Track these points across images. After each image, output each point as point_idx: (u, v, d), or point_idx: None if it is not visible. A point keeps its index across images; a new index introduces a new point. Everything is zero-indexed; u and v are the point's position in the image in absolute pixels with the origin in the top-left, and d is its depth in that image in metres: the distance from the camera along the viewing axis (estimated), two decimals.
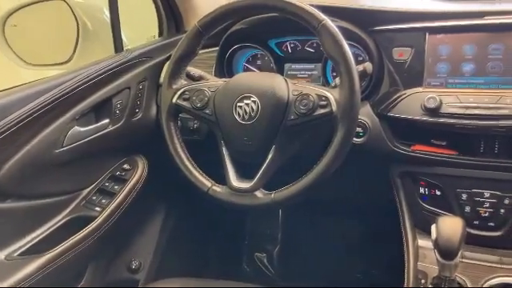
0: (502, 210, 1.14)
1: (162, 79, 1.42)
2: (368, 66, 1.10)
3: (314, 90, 1.05)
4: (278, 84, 1.07)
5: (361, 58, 1.28)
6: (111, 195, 1.34)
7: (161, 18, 1.57)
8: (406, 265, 1.21)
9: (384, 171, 1.29)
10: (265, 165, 1.07)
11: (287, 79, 1.10)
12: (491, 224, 1.15)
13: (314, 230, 1.93)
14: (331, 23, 1.02)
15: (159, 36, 1.61)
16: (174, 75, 1.15)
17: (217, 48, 1.41)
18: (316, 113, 1.03)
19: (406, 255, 1.22)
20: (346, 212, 1.80)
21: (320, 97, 1.03)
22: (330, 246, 1.89)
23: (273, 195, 1.06)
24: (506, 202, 1.13)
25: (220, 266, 1.88)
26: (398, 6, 1.23)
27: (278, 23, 1.24)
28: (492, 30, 1.12)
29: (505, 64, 1.10)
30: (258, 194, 1.07)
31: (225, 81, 1.14)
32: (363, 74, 1.10)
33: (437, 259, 1.00)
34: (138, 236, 1.61)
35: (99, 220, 1.28)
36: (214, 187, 1.10)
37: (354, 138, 1.20)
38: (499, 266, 1.15)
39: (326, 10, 1.06)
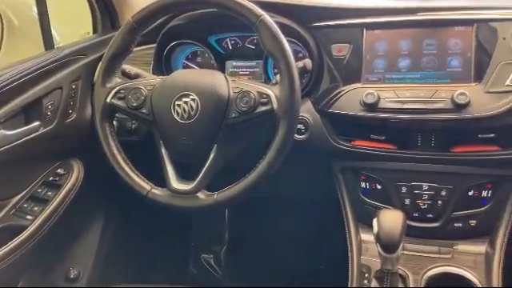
0: (440, 202, 1.17)
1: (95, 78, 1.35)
2: (308, 62, 1.10)
3: (254, 87, 1.03)
4: (218, 81, 1.05)
5: (301, 55, 1.28)
6: (44, 202, 1.27)
7: (94, 13, 1.50)
8: (350, 259, 1.23)
9: (327, 167, 1.29)
10: (206, 165, 1.04)
11: (227, 76, 1.07)
12: (430, 216, 1.19)
13: (261, 229, 1.92)
14: (269, 19, 1.00)
15: (94, 33, 1.53)
16: (107, 73, 1.10)
17: (154, 45, 1.36)
18: (257, 110, 1.01)
19: (349, 250, 1.24)
20: (292, 209, 1.80)
21: (261, 94, 1.01)
22: (278, 243, 1.89)
23: (215, 196, 1.03)
24: (443, 193, 1.17)
25: (166, 269, 1.82)
26: (336, 2, 1.24)
27: (218, 19, 1.21)
28: (426, 25, 1.15)
29: (438, 59, 1.13)
30: (200, 195, 1.04)
31: (162, 78, 1.10)
32: (303, 71, 1.09)
33: (379, 253, 1.01)
34: (76, 243, 1.53)
35: (31, 229, 1.20)
36: (154, 190, 1.06)
37: (296, 135, 1.21)
38: (438, 256, 1.19)
39: (265, 5, 1.04)
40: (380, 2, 1.27)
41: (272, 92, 1.00)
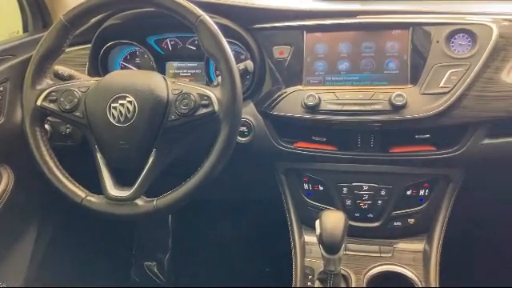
0: (380, 202, 1.20)
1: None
2: (249, 64, 1.09)
3: (194, 88, 1.00)
4: (157, 83, 1.01)
5: (243, 57, 1.26)
6: None
7: (24, 11, 1.41)
8: (294, 261, 1.23)
9: (270, 169, 1.29)
10: (145, 170, 1.00)
11: (166, 78, 1.04)
12: (370, 215, 1.21)
13: (206, 233, 1.89)
14: (209, 19, 0.98)
15: (24, 32, 1.45)
16: (37, 74, 1.03)
17: (89, 45, 1.30)
18: (198, 113, 0.98)
19: (293, 251, 1.24)
20: (236, 211, 1.78)
21: (201, 96, 0.99)
22: (223, 247, 1.87)
23: (155, 202, 0.99)
24: (383, 193, 1.20)
25: (107, 278, 1.75)
26: (278, 4, 1.24)
27: (157, 19, 1.18)
28: (364, 28, 1.17)
29: (376, 61, 1.15)
30: (139, 201, 0.99)
31: (97, 80, 1.05)
32: (245, 73, 1.08)
33: (322, 254, 1.01)
34: (6, 256, 1.43)
35: None
36: (89, 197, 1.01)
37: (239, 138, 1.19)
38: (379, 255, 1.21)
39: (205, 6, 1.02)
40: (320, 4, 1.28)
41: (213, 94, 0.98)
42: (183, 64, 1.35)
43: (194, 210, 1.69)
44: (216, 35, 0.97)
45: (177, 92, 1.00)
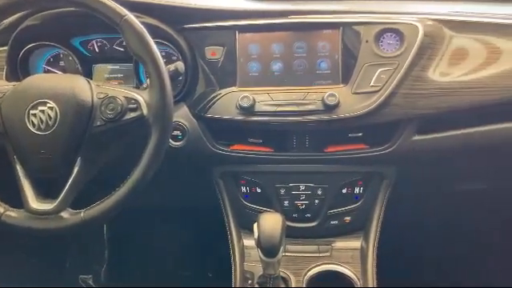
0: (317, 201, 1.20)
1: None
2: (179, 65, 1.05)
3: (121, 92, 0.95)
4: (80, 87, 0.95)
5: (174, 58, 1.22)
6: None
7: None
8: (233, 266, 1.21)
9: (207, 173, 1.26)
10: (70, 180, 0.94)
11: (90, 81, 0.98)
12: (308, 215, 1.21)
13: (144, 242, 1.83)
14: (134, 19, 0.93)
15: None
16: None
17: (6, 47, 1.21)
18: (125, 117, 0.93)
19: (231, 256, 1.21)
20: (175, 218, 1.74)
21: (129, 99, 0.94)
22: (163, 255, 1.82)
23: (82, 214, 0.93)
24: (319, 192, 1.20)
25: None
26: (209, 4, 1.21)
27: (81, 19, 1.11)
28: (296, 28, 1.16)
29: (309, 62, 1.15)
30: (64, 214, 0.93)
31: (14, 85, 0.97)
32: (175, 74, 1.04)
33: (260, 258, 0.99)
34: None
35: None
36: (8, 212, 0.93)
37: (173, 142, 1.16)
38: (317, 255, 1.22)
39: (131, 5, 0.98)
40: (252, 4, 1.27)
41: (141, 97, 0.94)
42: (112, 66, 1.29)
43: (131, 218, 1.62)
44: (142, 36, 0.93)
45: (102, 96, 0.94)
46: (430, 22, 1.11)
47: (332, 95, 1.09)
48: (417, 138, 1.13)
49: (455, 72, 1.11)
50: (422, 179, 1.29)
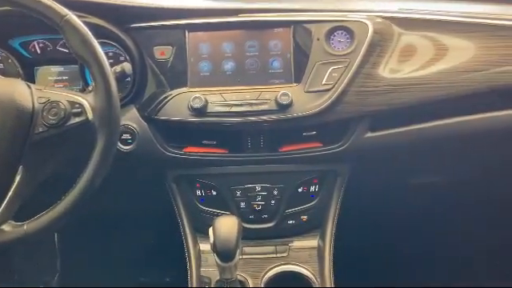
0: (273, 201, 1.19)
1: None
2: (126, 66, 1.01)
3: (64, 96, 0.90)
4: (19, 91, 0.89)
5: (122, 58, 1.17)
6: None
7: None
8: (189, 271, 1.18)
9: (160, 177, 1.22)
10: (11, 191, 0.88)
11: (31, 85, 0.92)
12: (265, 216, 1.20)
13: (98, 249, 1.76)
14: (76, 19, 0.89)
15: None
16: None
17: None
18: (69, 122, 0.89)
19: (187, 262, 1.19)
20: (130, 224, 1.68)
21: (72, 104, 0.89)
22: (118, 262, 1.75)
23: (25, 226, 0.88)
24: (275, 192, 1.19)
25: None
26: (156, 2, 1.17)
27: (20, 18, 1.05)
28: (247, 27, 1.14)
29: (261, 61, 1.13)
30: (6, 227, 0.88)
31: None
32: (122, 76, 1.00)
33: (216, 263, 0.97)
34: None
35: None
36: None
37: (122, 146, 1.12)
38: (275, 255, 1.21)
39: (73, 5, 0.94)
40: (202, 2, 1.24)
41: (85, 100, 0.89)
42: (56, 69, 1.23)
43: (83, 225, 1.56)
44: (85, 36, 0.88)
45: (43, 100, 0.89)
46: (379, 20, 1.12)
47: (285, 94, 1.08)
48: (369, 135, 1.14)
49: (405, 69, 1.12)
50: (375, 175, 1.31)
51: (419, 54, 1.13)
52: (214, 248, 0.96)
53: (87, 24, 0.90)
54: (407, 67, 1.12)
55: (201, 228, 1.22)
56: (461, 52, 1.14)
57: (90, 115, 0.89)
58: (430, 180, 1.45)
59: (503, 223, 1.64)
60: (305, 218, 1.22)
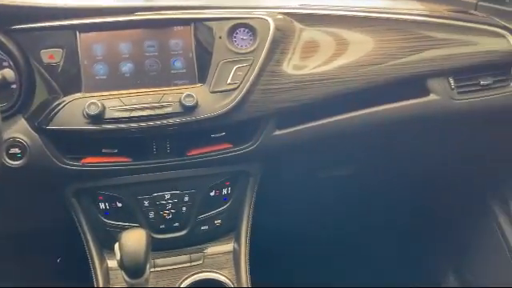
0: (184, 208, 1.14)
1: None
2: (8, 73, 0.91)
3: None
4: None
5: (6, 64, 1.04)
6: None
7: None
8: None
9: (58, 192, 1.12)
10: None
11: None
12: (176, 224, 1.15)
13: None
14: None
15: None
16: None
17: None
18: None
19: (94, 280, 1.10)
20: (31, 244, 1.53)
21: None
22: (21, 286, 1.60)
23: None
24: (186, 199, 1.14)
25: None
26: (40, 1, 1.06)
27: None
28: (144, 26, 1.07)
29: (162, 61, 1.07)
30: None
31: None
32: (4, 84, 0.90)
33: (125, 280, 0.91)
34: None
35: None
36: None
37: (11, 161, 1.01)
38: (190, 264, 1.16)
39: None
40: (94, 0, 1.15)
41: None
42: None
43: None
44: None
45: None
46: (280, 16, 1.11)
47: (189, 96, 1.03)
48: (278, 132, 1.13)
49: (309, 65, 1.12)
50: (287, 172, 1.30)
51: (321, 50, 1.14)
52: (122, 264, 0.90)
53: None
54: (311, 63, 1.13)
55: (108, 243, 1.12)
56: (361, 46, 1.16)
57: None
58: (342, 173, 1.48)
59: (413, 211, 1.72)
60: (218, 222, 1.18)
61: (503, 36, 1.24)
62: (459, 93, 1.21)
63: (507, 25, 1.25)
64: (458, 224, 1.72)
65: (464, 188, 1.64)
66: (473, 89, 1.22)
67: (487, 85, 1.23)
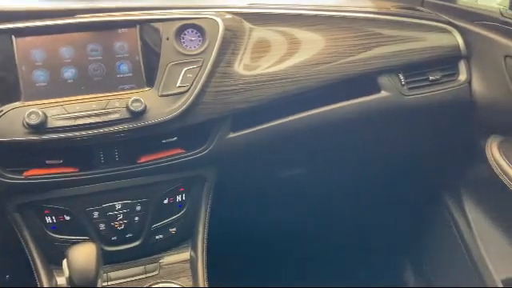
0: (137, 218, 1.10)
1: None
2: None
3: None
4: None
5: None
6: None
7: None
8: None
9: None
10: None
11: None
12: (129, 235, 1.10)
13: None
14: None
15: None
16: None
17: None
18: None
19: None
20: None
21: None
22: None
23: None
24: (138, 208, 1.10)
25: None
26: None
27: None
28: (86, 29, 1.02)
29: (106, 65, 1.02)
30: None
31: None
32: None
33: None
34: None
35: None
36: None
37: None
38: (144, 276, 1.12)
39: None
40: (31, 3, 1.08)
41: None
42: None
43: None
44: None
45: None
46: (229, 16, 1.08)
47: (137, 100, 0.98)
48: (232, 135, 1.11)
49: (261, 64, 1.10)
50: (242, 174, 1.28)
51: (273, 49, 1.12)
52: (71, 282, 0.85)
53: None
54: (263, 63, 1.11)
55: (56, 260, 1.06)
56: (312, 45, 1.15)
57: None
58: (297, 172, 1.48)
59: (369, 206, 1.74)
60: (173, 230, 1.15)
61: (449, 32, 1.27)
62: (409, 88, 1.23)
63: (452, 20, 1.28)
64: (413, 216, 1.75)
65: (417, 181, 1.67)
66: (422, 84, 1.24)
67: (436, 80, 1.25)
